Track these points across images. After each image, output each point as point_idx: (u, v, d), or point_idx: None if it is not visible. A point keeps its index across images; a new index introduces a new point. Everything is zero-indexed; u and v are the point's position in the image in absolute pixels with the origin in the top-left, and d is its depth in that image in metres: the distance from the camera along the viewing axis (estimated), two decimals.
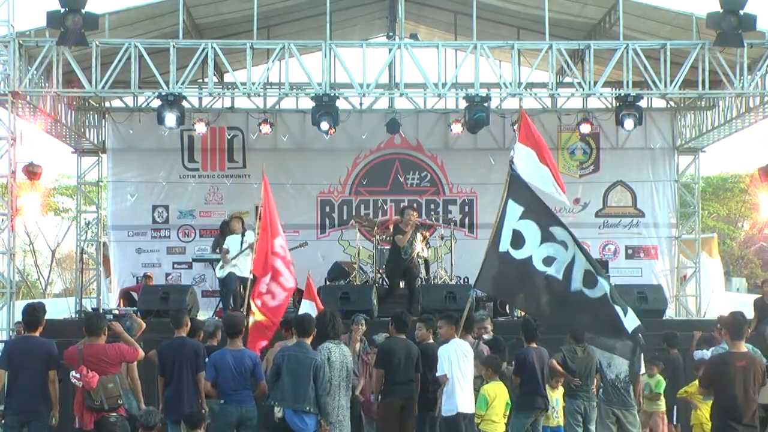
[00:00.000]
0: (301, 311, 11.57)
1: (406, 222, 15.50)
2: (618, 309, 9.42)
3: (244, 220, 16.10)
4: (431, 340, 10.89)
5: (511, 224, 9.84)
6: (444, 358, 10.08)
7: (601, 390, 10.99)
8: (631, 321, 9.43)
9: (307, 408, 9.41)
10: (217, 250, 15.92)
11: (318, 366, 9.53)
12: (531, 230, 9.75)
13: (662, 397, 11.89)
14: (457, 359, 10.09)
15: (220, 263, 15.63)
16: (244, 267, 15.45)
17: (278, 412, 9.41)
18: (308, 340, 9.72)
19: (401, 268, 15.58)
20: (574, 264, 9.57)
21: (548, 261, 9.62)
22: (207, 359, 10.10)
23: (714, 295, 19.63)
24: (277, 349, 10.46)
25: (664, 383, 11.89)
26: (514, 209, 9.88)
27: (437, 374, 10.09)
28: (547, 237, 9.70)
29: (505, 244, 9.83)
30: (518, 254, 9.74)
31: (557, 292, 9.61)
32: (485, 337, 11.40)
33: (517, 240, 9.76)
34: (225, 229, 16.20)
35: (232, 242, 15.63)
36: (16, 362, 9.71)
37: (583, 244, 10.52)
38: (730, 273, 34.03)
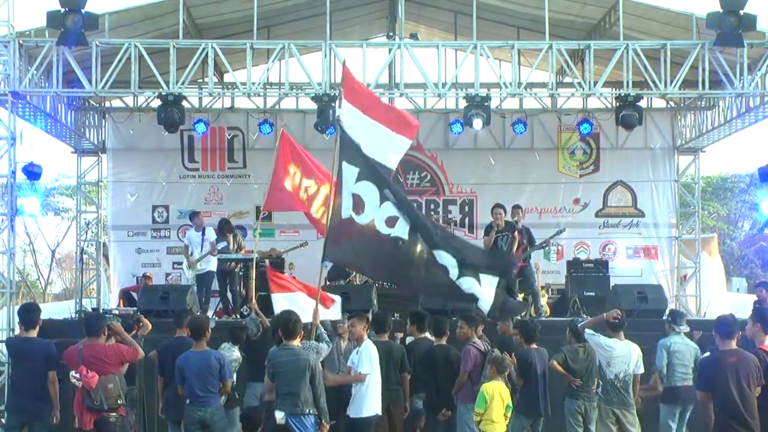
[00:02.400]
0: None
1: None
2: (467, 283, 8.93)
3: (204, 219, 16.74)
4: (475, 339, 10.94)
5: (349, 188, 9.24)
6: (370, 355, 10.00)
7: (600, 390, 10.98)
8: (487, 284, 8.99)
9: (307, 410, 9.37)
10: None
11: (312, 366, 9.42)
12: (369, 191, 9.19)
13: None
14: (377, 359, 10.05)
15: (187, 264, 16.07)
16: (206, 263, 16.10)
17: (281, 418, 9.35)
18: (295, 342, 9.63)
19: None
20: (417, 223, 9.10)
21: (391, 221, 9.11)
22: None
23: (714, 295, 19.62)
24: None
25: None
26: (350, 171, 9.28)
27: (361, 371, 9.88)
28: (384, 197, 9.17)
29: (347, 210, 9.24)
30: (361, 219, 9.18)
31: (405, 252, 9.09)
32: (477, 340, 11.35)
33: (357, 204, 9.19)
34: (224, 227, 16.32)
35: (193, 240, 16.13)
36: (15, 363, 9.73)
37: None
38: (730, 273, 33.99)
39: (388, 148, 9.61)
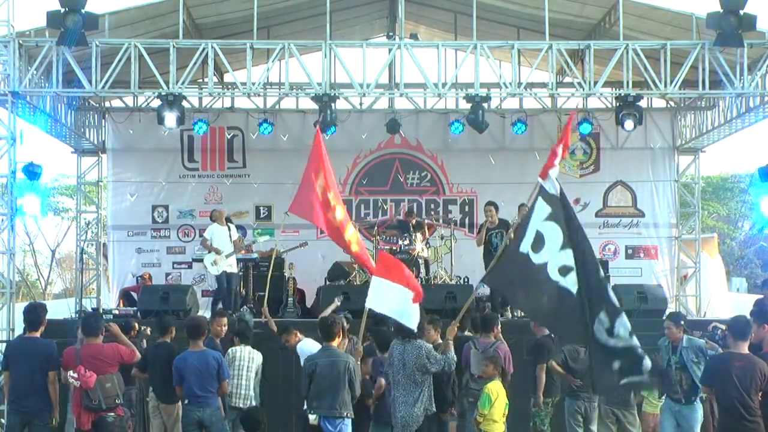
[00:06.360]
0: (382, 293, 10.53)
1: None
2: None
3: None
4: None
5: (536, 224, 8.80)
6: None
7: None
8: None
9: (345, 414, 9.30)
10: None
11: (351, 369, 9.37)
12: (554, 233, 8.71)
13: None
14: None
15: (212, 259, 15.68)
16: (234, 262, 15.85)
17: (314, 420, 9.26)
18: (335, 344, 9.55)
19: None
20: (590, 284, 8.54)
21: (564, 270, 8.59)
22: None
23: (714, 295, 19.62)
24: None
25: None
26: (542, 208, 8.84)
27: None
28: (567, 243, 8.67)
29: (526, 245, 8.78)
30: (537, 258, 8.71)
31: (567, 306, 8.56)
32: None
33: (538, 242, 8.74)
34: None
35: (219, 235, 15.76)
36: (16, 363, 9.72)
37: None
38: (730, 273, 34.00)
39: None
